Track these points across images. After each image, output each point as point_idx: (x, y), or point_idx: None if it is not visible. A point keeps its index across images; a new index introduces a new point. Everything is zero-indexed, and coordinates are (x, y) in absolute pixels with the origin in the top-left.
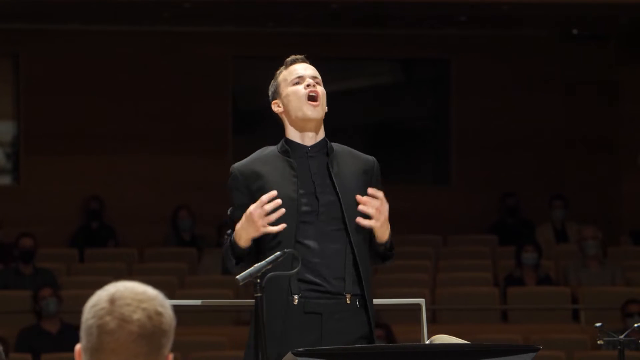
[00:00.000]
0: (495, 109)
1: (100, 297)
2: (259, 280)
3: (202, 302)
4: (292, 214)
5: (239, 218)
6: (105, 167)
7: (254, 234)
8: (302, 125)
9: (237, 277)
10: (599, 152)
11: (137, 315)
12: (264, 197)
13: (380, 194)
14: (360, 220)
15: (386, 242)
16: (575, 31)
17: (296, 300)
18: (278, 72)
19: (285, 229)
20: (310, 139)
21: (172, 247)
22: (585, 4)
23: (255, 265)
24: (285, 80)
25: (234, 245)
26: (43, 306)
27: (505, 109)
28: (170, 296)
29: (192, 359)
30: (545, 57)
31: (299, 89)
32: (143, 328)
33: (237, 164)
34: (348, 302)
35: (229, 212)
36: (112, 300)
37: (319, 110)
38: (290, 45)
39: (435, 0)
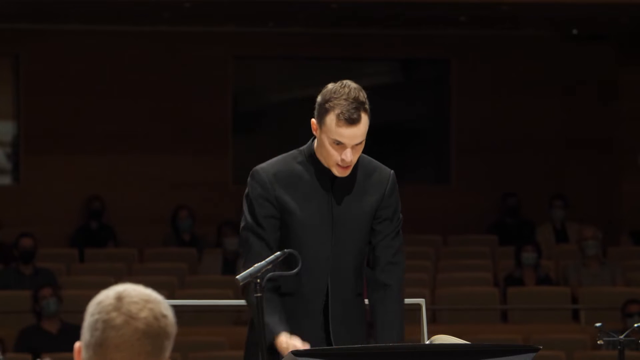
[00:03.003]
0: (495, 109)
1: (107, 294)
2: (258, 280)
3: (201, 302)
4: (325, 240)
5: (262, 231)
6: (105, 167)
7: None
8: None
9: (237, 277)
10: (599, 152)
11: (144, 314)
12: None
13: None
14: None
15: None
16: (575, 31)
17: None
18: (330, 100)
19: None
20: None
21: (172, 247)
22: (585, 4)
23: (255, 265)
24: (330, 126)
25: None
26: (43, 306)
27: (505, 109)
28: (170, 296)
29: (192, 359)
30: (545, 57)
31: (334, 154)
32: (149, 327)
33: (264, 169)
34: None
35: (249, 219)
36: (120, 298)
37: (346, 172)
38: (290, 45)
39: (435, 0)
